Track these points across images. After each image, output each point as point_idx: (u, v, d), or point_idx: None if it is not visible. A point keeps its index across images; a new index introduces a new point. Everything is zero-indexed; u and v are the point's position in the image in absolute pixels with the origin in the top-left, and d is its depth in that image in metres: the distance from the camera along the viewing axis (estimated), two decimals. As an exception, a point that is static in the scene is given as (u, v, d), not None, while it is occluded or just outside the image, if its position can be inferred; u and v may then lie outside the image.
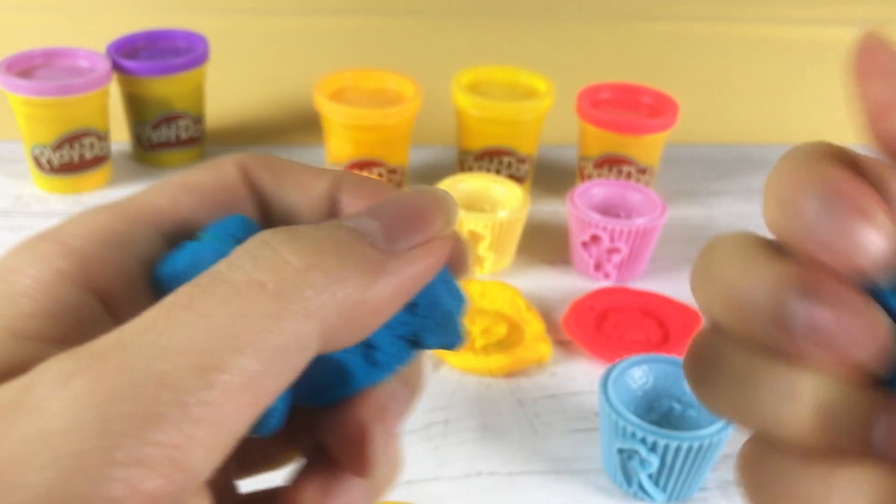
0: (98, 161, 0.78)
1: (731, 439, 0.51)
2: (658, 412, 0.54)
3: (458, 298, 0.20)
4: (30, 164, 0.77)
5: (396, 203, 0.19)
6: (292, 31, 0.86)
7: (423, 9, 0.85)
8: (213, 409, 0.14)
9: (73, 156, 0.76)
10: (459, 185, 0.72)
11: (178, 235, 0.19)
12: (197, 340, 0.15)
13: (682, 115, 0.78)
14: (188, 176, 0.20)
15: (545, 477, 0.54)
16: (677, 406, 0.54)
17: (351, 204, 0.21)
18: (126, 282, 0.18)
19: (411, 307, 0.20)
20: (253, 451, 0.22)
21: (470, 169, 0.79)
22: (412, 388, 0.21)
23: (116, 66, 0.77)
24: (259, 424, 0.18)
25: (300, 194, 0.21)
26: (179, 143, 0.82)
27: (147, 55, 0.79)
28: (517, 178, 0.79)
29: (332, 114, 0.74)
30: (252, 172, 0.21)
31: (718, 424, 0.49)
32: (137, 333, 0.15)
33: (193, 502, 0.15)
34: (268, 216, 0.21)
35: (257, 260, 0.16)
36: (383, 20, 0.86)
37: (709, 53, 0.89)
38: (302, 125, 0.86)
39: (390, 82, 0.79)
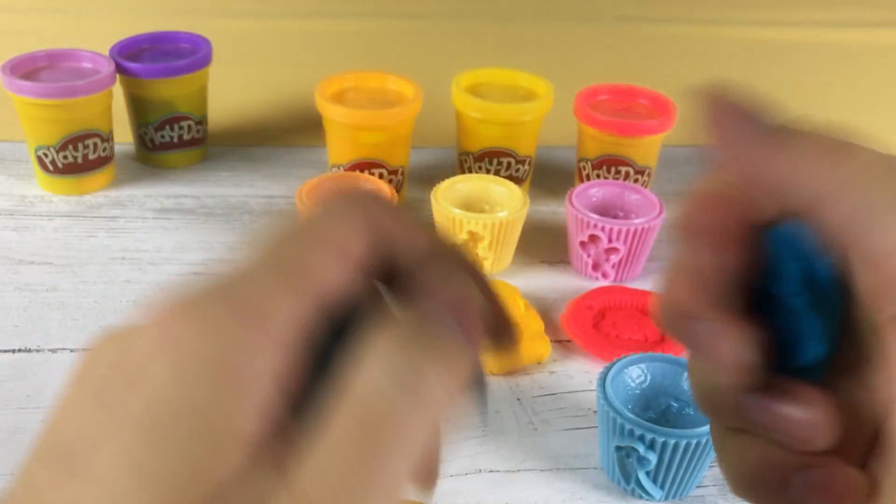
0: (101, 162, 0.78)
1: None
2: (656, 410, 0.55)
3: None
4: (34, 165, 0.77)
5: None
6: (294, 34, 0.86)
7: (423, 12, 0.86)
8: None
9: (76, 157, 0.76)
10: (459, 186, 0.72)
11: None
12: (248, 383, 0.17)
13: (680, 117, 0.78)
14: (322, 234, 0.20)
15: (544, 474, 0.54)
16: (675, 404, 0.55)
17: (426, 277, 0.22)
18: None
19: None
20: None
21: (470, 170, 0.80)
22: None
23: (120, 68, 0.77)
24: None
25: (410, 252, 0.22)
26: (182, 144, 0.82)
27: (150, 57, 0.80)
28: (516, 179, 0.79)
29: (334, 115, 0.75)
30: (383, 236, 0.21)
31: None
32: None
33: None
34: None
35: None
36: (384, 23, 0.86)
37: (706, 56, 0.90)
38: (303, 126, 0.86)
39: (391, 84, 0.79)
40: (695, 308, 0.21)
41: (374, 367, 0.18)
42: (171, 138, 0.81)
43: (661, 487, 0.52)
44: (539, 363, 0.62)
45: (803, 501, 0.20)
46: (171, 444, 0.16)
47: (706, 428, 0.49)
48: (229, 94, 0.86)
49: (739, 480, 0.22)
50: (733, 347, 0.20)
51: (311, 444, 0.17)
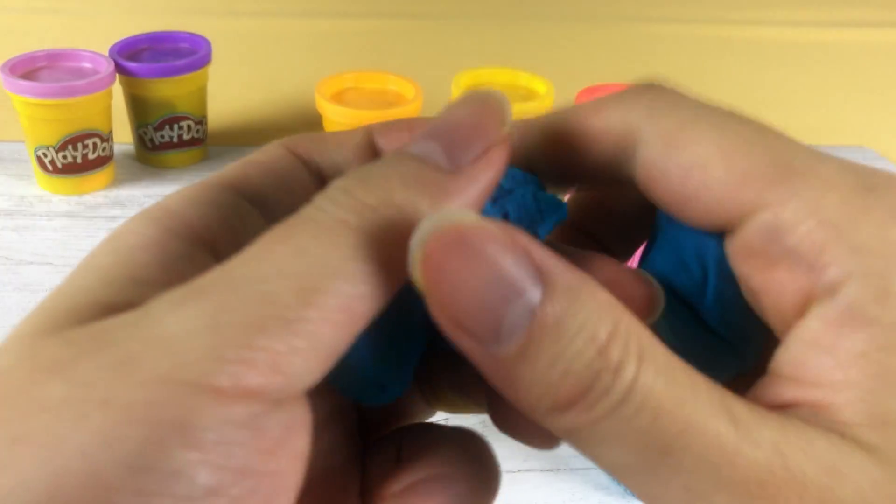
0: (101, 162, 0.78)
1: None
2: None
3: (549, 202, 0.21)
4: (33, 165, 0.77)
5: (451, 118, 0.19)
6: (294, 34, 0.86)
7: (423, 11, 0.86)
8: (311, 324, 0.16)
9: (76, 157, 0.76)
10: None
11: (257, 199, 0.21)
12: (295, 267, 0.16)
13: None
14: (246, 158, 0.22)
15: (545, 475, 0.54)
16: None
17: (388, 143, 0.23)
18: (229, 231, 0.20)
19: (504, 216, 0.21)
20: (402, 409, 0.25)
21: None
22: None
23: (119, 68, 0.77)
24: (371, 395, 0.20)
25: (341, 153, 0.23)
26: (182, 144, 0.82)
27: (150, 57, 0.80)
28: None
29: (334, 115, 0.75)
30: (296, 149, 0.23)
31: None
32: (239, 265, 0.16)
33: (290, 407, 0.16)
34: (321, 177, 0.23)
35: (337, 203, 0.17)
36: (384, 22, 0.86)
37: (707, 56, 0.90)
38: (303, 126, 0.86)
39: (391, 84, 0.79)
40: None
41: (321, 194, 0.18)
42: (170, 138, 0.81)
43: (663, 488, 0.52)
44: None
45: None
46: None
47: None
48: (229, 93, 0.86)
49: None
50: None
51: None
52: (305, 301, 0.16)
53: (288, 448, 0.16)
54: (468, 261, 0.16)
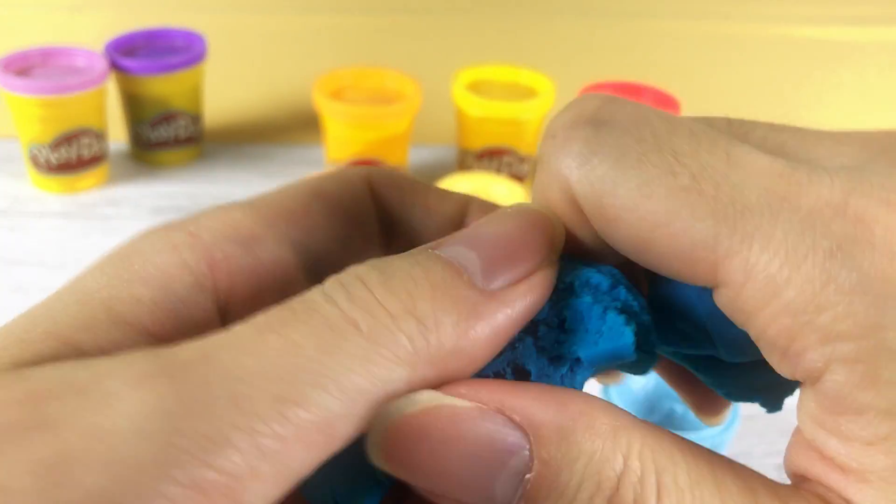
0: (96, 160, 0.77)
1: (732, 441, 0.51)
2: (659, 414, 0.54)
3: (625, 305, 0.17)
4: (27, 164, 0.76)
5: (496, 229, 0.17)
6: (291, 30, 0.85)
7: (423, 7, 0.85)
8: (282, 443, 0.13)
9: (70, 155, 0.75)
10: (460, 185, 0.71)
11: (306, 242, 0.19)
12: (281, 368, 0.14)
13: (684, 114, 0.77)
14: (318, 183, 0.20)
15: None
16: (678, 408, 0.54)
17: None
18: (247, 282, 0.18)
19: (559, 323, 0.17)
20: None
21: (470, 168, 0.79)
22: None
23: (114, 65, 0.76)
24: (350, 498, 0.17)
25: (427, 217, 0.20)
26: (177, 142, 0.81)
27: (145, 54, 0.79)
28: (518, 178, 0.78)
29: (332, 113, 0.74)
30: (379, 189, 0.20)
31: (720, 426, 0.49)
32: (222, 348, 0.14)
33: None
34: (391, 234, 0.20)
35: (352, 297, 0.15)
36: (383, 18, 0.86)
37: (711, 52, 0.89)
38: (301, 124, 0.86)
39: (390, 81, 0.78)
40: None
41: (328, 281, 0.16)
42: (165, 136, 0.80)
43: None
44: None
45: None
46: None
47: (710, 431, 0.49)
48: (225, 91, 0.85)
49: None
50: None
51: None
52: (282, 414, 0.14)
53: None
54: (439, 448, 0.14)
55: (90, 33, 0.79)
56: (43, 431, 0.13)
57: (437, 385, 0.15)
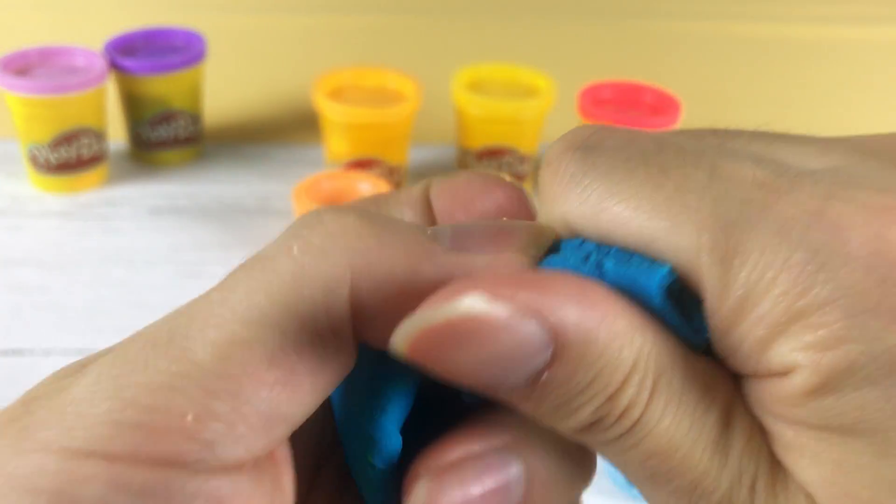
0: (95, 160, 0.77)
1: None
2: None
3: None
4: (26, 164, 0.76)
5: (476, 223, 0.18)
6: (291, 29, 0.85)
7: (423, 7, 0.85)
8: (230, 381, 0.14)
9: (70, 155, 0.75)
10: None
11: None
12: (218, 317, 0.15)
13: (684, 114, 0.77)
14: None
15: None
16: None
17: (440, 198, 0.20)
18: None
19: None
20: None
21: (470, 168, 0.79)
22: (540, 486, 0.18)
23: (113, 65, 0.76)
24: (366, 458, 0.17)
25: (401, 211, 0.20)
26: (177, 141, 0.81)
27: (144, 53, 0.79)
28: (518, 177, 0.78)
29: (331, 112, 0.74)
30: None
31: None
32: (170, 320, 0.15)
33: (218, 479, 0.14)
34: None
35: (296, 227, 0.16)
36: (383, 18, 0.85)
37: (711, 52, 0.89)
38: (300, 124, 0.85)
39: (390, 81, 0.78)
40: None
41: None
42: (165, 136, 0.80)
43: (667, 493, 0.51)
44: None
45: None
46: None
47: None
48: (225, 90, 0.85)
49: None
50: None
51: None
52: (223, 354, 0.14)
53: None
54: (470, 349, 0.15)
55: (89, 33, 0.79)
56: (22, 417, 0.15)
57: (384, 322, 0.16)
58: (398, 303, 0.16)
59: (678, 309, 0.16)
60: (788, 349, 0.14)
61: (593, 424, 0.15)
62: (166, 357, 0.14)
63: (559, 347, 0.15)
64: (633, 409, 0.15)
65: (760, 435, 0.16)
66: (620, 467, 0.16)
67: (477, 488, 0.16)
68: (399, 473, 0.18)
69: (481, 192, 0.19)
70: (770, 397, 0.15)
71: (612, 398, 0.15)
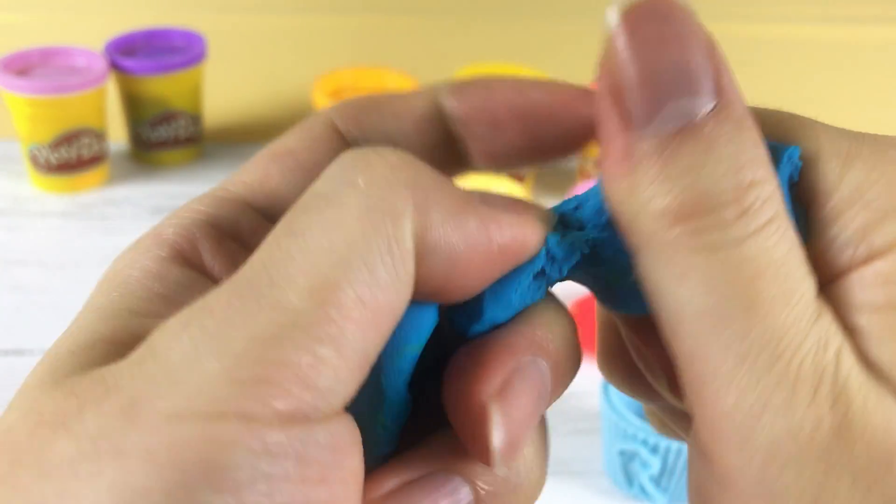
0: (96, 160, 0.77)
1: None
2: (659, 413, 0.54)
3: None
4: (27, 164, 0.76)
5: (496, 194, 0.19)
6: (291, 30, 0.85)
7: (422, 7, 0.85)
8: (331, 326, 0.14)
9: (70, 155, 0.75)
10: (459, 185, 0.71)
11: (275, 210, 0.19)
12: (302, 263, 0.14)
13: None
14: (278, 144, 0.20)
15: (546, 479, 0.53)
16: (679, 407, 0.54)
17: (462, 108, 0.19)
18: (226, 256, 0.18)
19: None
20: None
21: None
22: (560, 369, 0.19)
23: (114, 65, 0.76)
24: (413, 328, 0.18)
25: (398, 125, 0.20)
26: (177, 141, 0.81)
27: (144, 54, 0.79)
28: (518, 177, 0.78)
29: (331, 113, 0.74)
30: (343, 124, 0.20)
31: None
32: (246, 273, 0.15)
33: (332, 425, 0.14)
34: None
35: (348, 162, 0.16)
36: (382, 19, 0.86)
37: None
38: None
39: (389, 81, 0.78)
40: None
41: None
42: (165, 136, 0.80)
43: (665, 492, 0.51)
44: (540, 365, 0.61)
45: None
46: None
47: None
48: (225, 91, 0.85)
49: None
50: None
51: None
52: (319, 301, 0.14)
53: (339, 472, 0.14)
54: (662, 36, 0.15)
55: (90, 33, 0.79)
56: (113, 392, 0.14)
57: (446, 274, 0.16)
58: (445, 241, 0.16)
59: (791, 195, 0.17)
60: (893, 229, 0.16)
61: (707, 215, 0.15)
62: (262, 308, 0.14)
63: (723, 102, 0.15)
64: (752, 217, 0.15)
65: (844, 329, 0.16)
66: (701, 293, 0.15)
67: None
68: (405, 432, 0.18)
69: (514, 94, 0.19)
70: (861, 284, 0.16)
71: (738, 189, 0.15)
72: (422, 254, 0.16)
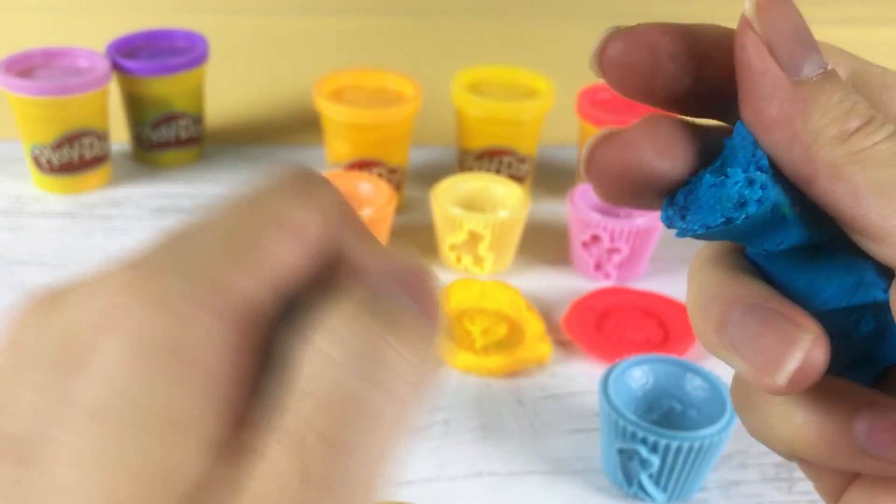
0: (98, 161, 0.77)
1: (731, 439, 0.51)
2: (658, 412, 0.54)
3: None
4: (29, 164, 0.77)
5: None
6: (292, 31, 0.86)
7: (423, 8, 0.85)
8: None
9: (72, 155, 0.76)
10: (459, 185, 0.72)
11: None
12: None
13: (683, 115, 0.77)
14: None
15: (545, 477, 0.53)
16: (678, 406, 0.54)
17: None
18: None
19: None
20: None
21: (470, 169, 0.79)
22: None
23: (116, 66, 0.77)
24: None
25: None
26: (179, 142, 0.82)
27: (146, 55, 0.79)
28: (517, 178, 0.79)
29: (332, 113, 0.74)
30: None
31: (719, 425, 0.49)
32: None
33: None
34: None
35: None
36: (383, 20, 0.86)
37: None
38: (302, 125, 0.86)
39: (390, 82, 0.78)
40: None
41: (325, 348, 0.16)
42: (167, 137, 0.81)
43: (664, 490, 0.51)
44: (540, 364, 0.62)
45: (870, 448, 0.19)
46: (136, 444, 0.15)
47: (709, 430, 0.49)
48: (226, 92, 0.85)
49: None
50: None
51: (266, 447, 0.15)
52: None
53: None
54: (788, 5, 0.19)
55: (92, 34, 0.79)
56: None
57: None
58: None
59: None
60: None
61: (868, 123, 0.19)
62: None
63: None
64: (884, 125, 0.19)
65: None
66: (889, 171, 0.18)
67: None
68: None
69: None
70: None
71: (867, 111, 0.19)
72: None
